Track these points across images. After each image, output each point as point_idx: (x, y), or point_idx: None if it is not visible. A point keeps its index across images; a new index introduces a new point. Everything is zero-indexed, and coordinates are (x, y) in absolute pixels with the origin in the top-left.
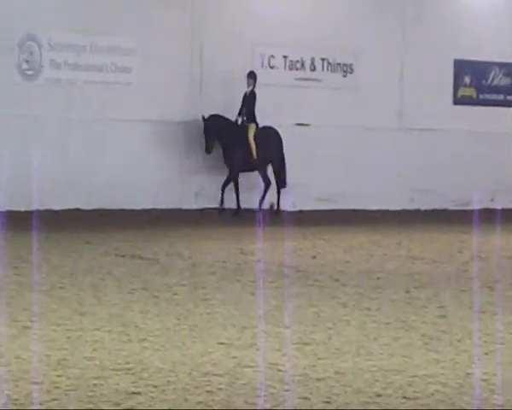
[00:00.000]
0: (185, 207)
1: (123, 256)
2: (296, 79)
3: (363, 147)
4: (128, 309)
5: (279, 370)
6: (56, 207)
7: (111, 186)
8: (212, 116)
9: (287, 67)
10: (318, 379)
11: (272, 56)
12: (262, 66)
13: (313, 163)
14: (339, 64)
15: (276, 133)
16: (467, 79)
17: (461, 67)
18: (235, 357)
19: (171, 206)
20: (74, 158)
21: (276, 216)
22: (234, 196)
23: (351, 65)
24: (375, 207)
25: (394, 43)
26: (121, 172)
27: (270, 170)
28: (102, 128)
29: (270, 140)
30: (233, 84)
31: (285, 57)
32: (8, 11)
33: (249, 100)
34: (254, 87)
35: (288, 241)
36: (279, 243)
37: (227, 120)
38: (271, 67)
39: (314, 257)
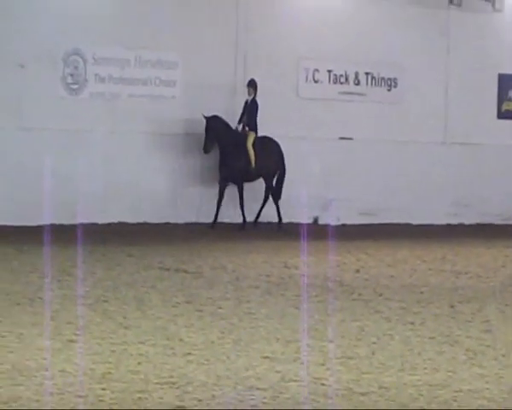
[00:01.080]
0: (227, 220)
1: (167, 270)
2: (340, 93)
3: (407, 161)
4: (172, 323)
5: (323, 384)
6: (100, 220)
7: (155, 199)
8: (213, 117)
9: (331, 81)
10: (362, 394)
11: (317, 70)
12: (306, 80)
13: (357, 177)
14: (383, 78)
15: (276, 144)
16: (511, 93)
17: (505, 82)
18: (279, 371)
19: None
20: (119, 171)
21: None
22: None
23: (395, 79)
24: (418, 222)
25: (438, 58)
26: (165, 185)
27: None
28: (147, 141)
29: (270, 151)
30: (277, 98)
31: (329, 71)
32: (53, 25)
33: (251, 108)
34: (255, 95)
35: (332, 255)
36: (323, 257)
37: (227, 124)
38: (316, 81)
39: (358, 271)
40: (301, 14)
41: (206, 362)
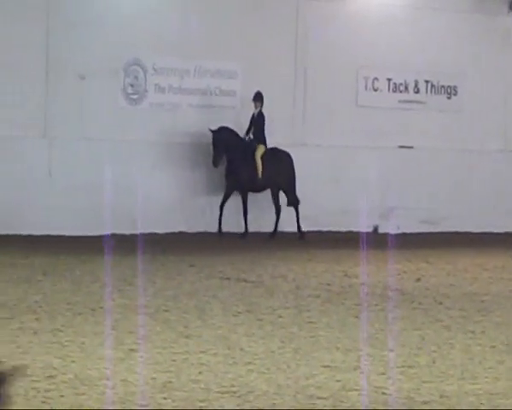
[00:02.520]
0: (288, 229)
1: (228, 279)
2: (400, 102)
3: (466, 169)
4: (233, 332)
5: (383, 393)
6: (160, 230)
7: (215, 209)
8: (221, 128)
9: (390, 90)
10: (423, 402)
11: (376, 79)
12: (366, 88)
13: (417, 185)
14: (443, 86)
15: (287, 155)
16: None
17: None
18: (339, 380)
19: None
20: (178, 181)
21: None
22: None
23: (455, 87)
24: (479, 230)
25: (498, 65)
26: (222, 195)
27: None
28: (206, 151)
29: (280, 162)
30: (336, 107)
31: (389, 80)
32: (113, 36)
33: (258, 121)
34: (261, 108)
35: (392, 264)
36: (383, 266)
37: (236, 134)
38: (375, 90)
39: (418, 280)
40: (360, 24)
41: (266, 371)
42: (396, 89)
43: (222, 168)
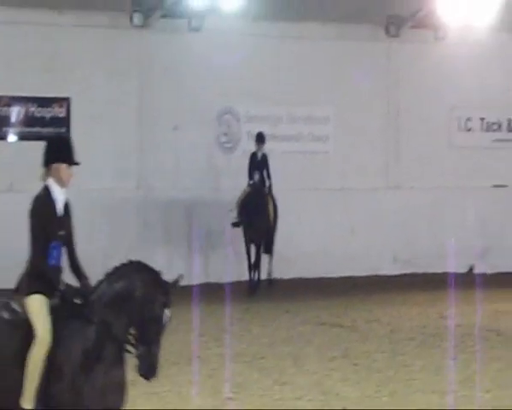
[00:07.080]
0: (382, 272)
1: (323, 324)
2: (493, 141)
3: None
4: (328, 377)
5: None
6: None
7: (309, 255)
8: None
9: (484, 129)
10: None
11: (469, 119)
12: (458, 128)
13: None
14: None
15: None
16: None
17: None
18: None
19: (369, 272)
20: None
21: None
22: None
23: None
24: None
25: None
26: (320, 240)
27: None
28: (301, 197)
29: (274, 206)
30: (429, 149)
31: (482, 119)
32: (205, 86)
33: (264, 163)
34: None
35: (487, 304)
36: (478, 307)
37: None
38: (468, 130)
39: None
40: (451, 64)
41: None
42: (489, 128)
43: None
